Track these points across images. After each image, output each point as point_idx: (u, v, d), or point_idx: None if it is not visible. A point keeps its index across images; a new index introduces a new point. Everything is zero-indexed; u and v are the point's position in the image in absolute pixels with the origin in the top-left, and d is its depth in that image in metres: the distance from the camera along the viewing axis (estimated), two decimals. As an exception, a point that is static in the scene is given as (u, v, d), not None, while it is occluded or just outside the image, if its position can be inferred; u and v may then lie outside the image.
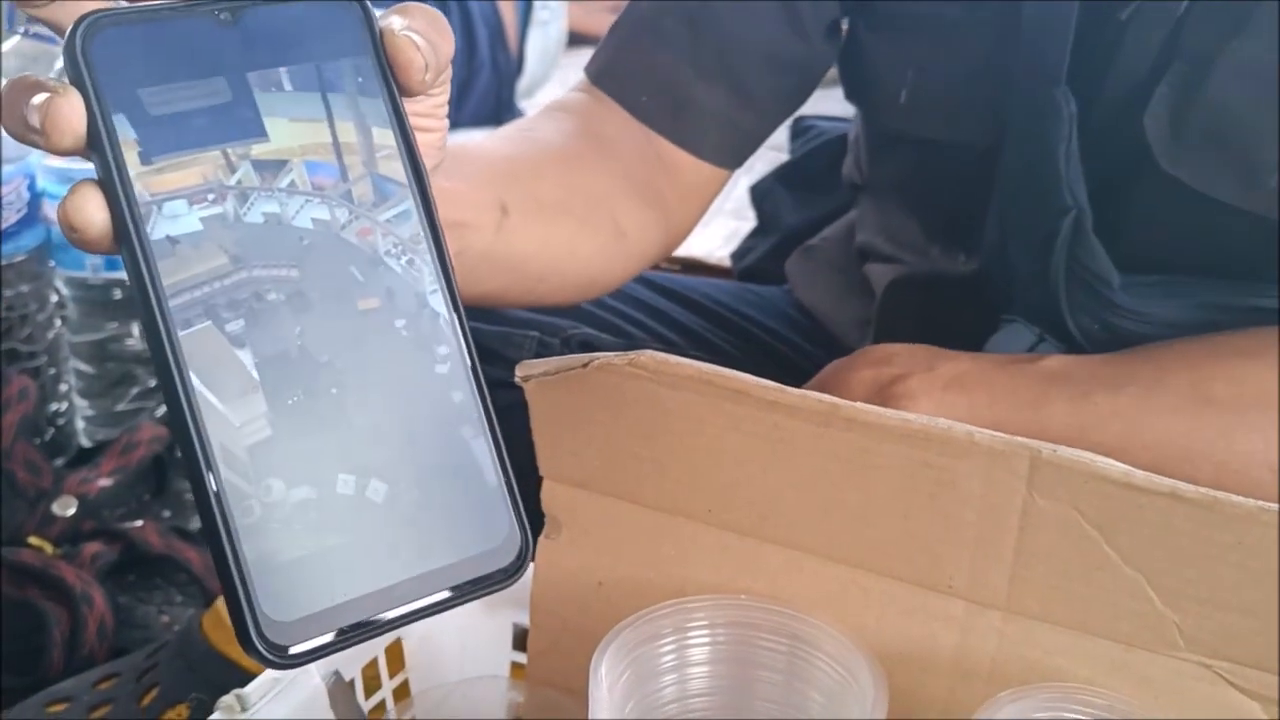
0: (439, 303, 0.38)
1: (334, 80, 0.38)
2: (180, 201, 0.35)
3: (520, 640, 0.58)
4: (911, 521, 0.45)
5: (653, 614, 0.46)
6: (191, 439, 0.33)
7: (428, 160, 0.46)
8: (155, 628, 0.80)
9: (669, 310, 0.86)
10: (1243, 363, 0.56)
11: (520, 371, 0.51)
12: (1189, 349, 0.58)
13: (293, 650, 0.33)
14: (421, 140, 0.45)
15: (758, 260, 1.04)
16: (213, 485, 0.33)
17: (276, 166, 0.36)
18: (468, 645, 0.59)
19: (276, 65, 0.36)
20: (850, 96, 0.80)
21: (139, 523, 0.83)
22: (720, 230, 1.39)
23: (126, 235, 0.34)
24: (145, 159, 0.34)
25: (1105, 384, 0.57)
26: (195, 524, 0.91)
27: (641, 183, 0.69)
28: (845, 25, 0.75)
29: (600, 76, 0.72)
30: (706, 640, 0.46)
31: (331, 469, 0.35)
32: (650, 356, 0.48)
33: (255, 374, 0.34)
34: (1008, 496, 0.43)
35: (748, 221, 1.17)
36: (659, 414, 0.49)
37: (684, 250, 1.42)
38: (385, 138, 0.38)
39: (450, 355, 0.37)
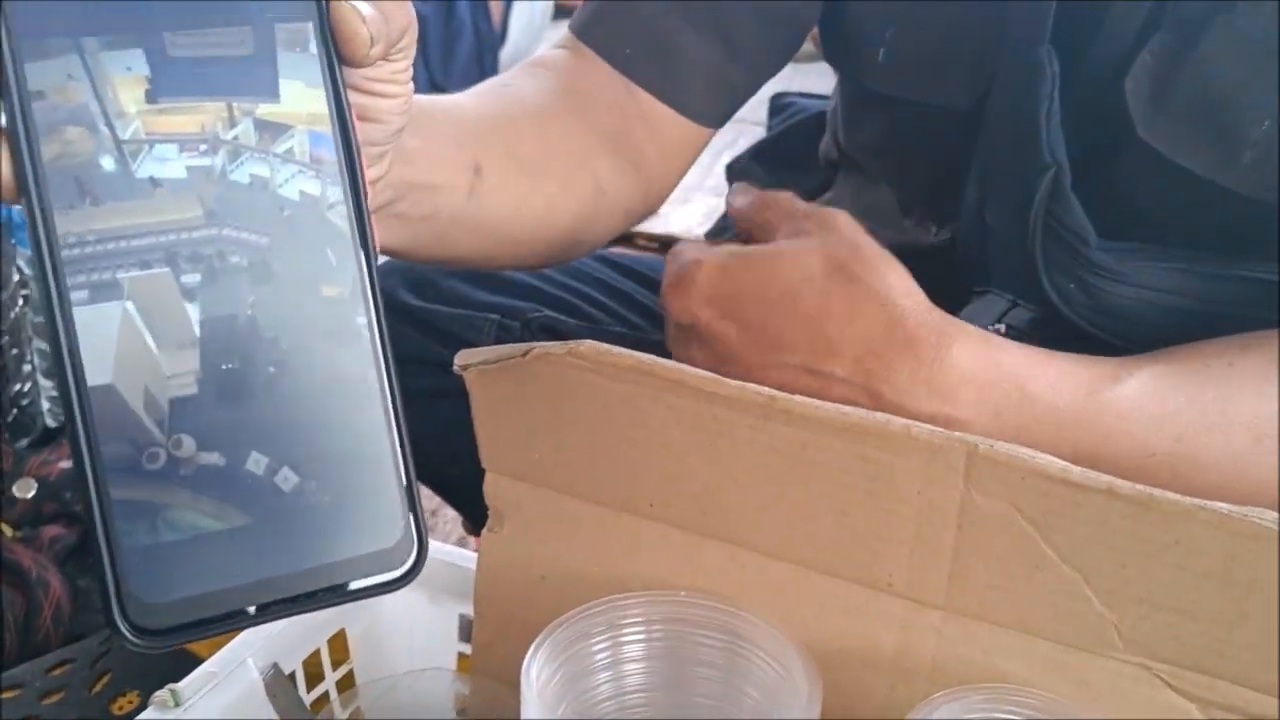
0: (372, 299, 0.36)
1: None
2: (172, 146, 0.34)
3: (467, 632, 0.57)
4: (850, 518, 0.44)
5: (586, 612, 0.45)
6: (74, 409, 0.33)
7: (392, 124, 0.45)
8: (115, 612, 0.79)
9: (634, 293, 0.85)
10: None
11: (460, 360, 0.50)
12: (1251, 369, 0.54)
13: (157, 630, 0.33)
14: (383, 105, 0.44)
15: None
16: (90, 466, 0.32)
17: (278, 130, 0.36)
18: (414, 637, 0.58)
19: (211, 26, 0.35)
20: (829, 57, 0.79)
21: (99, 506, 0.83)
22: (699, 207, 1.38)
23: (26, 189, 0.33)
24: (151, 98, 0.34)
25: (1169, 430, 0.53)
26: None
27: (622, 140, 0.68)
28: None
29: (584, 29, 0.70)
30: (642, 637, 0.46)
31: (246, 445, 0.34)
32: (590, 346, 0.47)
33: (197, 330, 0.34)
34: (946, 493, 0.42)
35: (726, 199, 1.16)
36: (599, 405, 0.48)
37: (662, 228, 1.42)
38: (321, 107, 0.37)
39: (375, 354, 0.36)
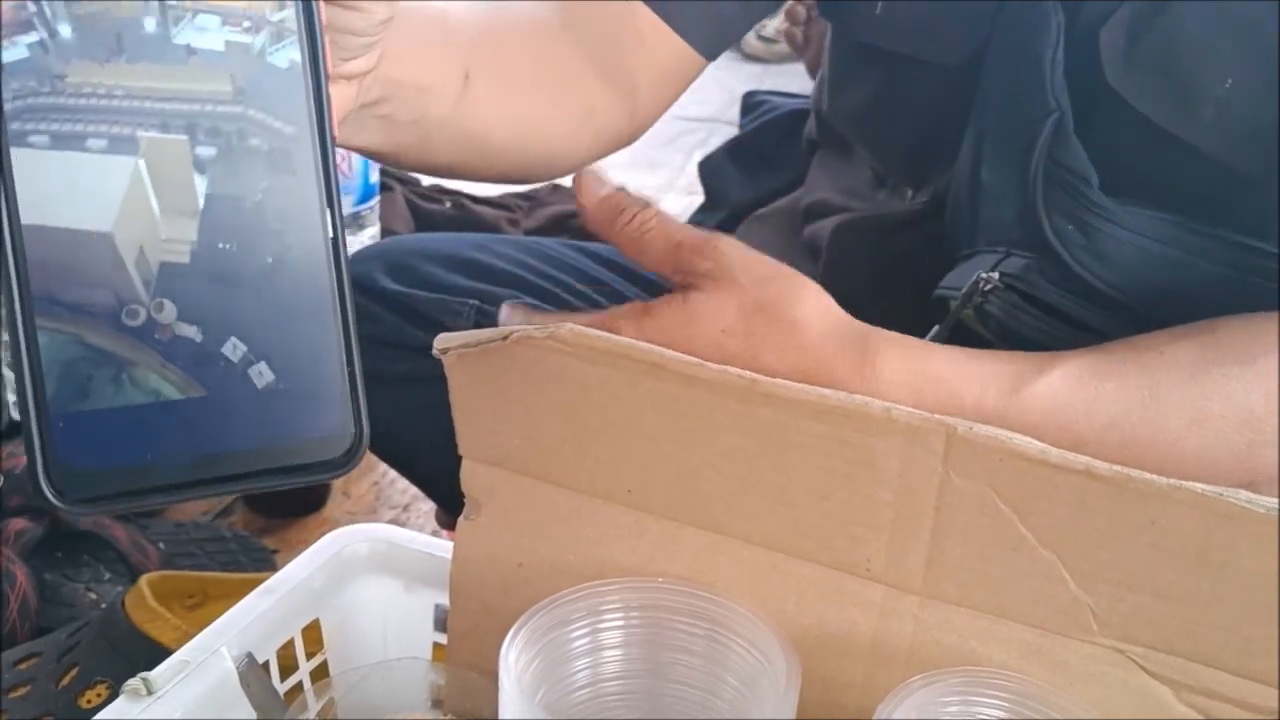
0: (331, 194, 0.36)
1: None
2: (215, 18, 0.34)
3: (442, 622, 0.57)
4: (830, 502, 0.44)
5: (564, 598, 0.45)
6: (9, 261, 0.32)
7: (376, 12, 0.44)
8: (81, 605, 0.79)
9: (611, 282, 0.85)
10: (1238, 372, 0.54)
11: (439, 344, 0.50)
12: (1182, 358, 0.55)
13: (88, 496, 0.33)
14: None
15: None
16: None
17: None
18: (389, 627, 0.58)
19: None
20: (825, 9, 0.79)
21: (66, 499, 0.82)
22: (672, 207, 1.38)
23: None
24: None
25: (1098, 419, 0.54)
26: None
27: (614, 62, 0.68)
28: None
29: None
30: (620, 623, 0.45)
31: (228, 328, 0.34)
32: (570, 330, 0.47)
33: (201, 202, 0.34)
34: (925, 475, 0.42)
35: (699, 198, 1.16)
36: (578, 389, 0.48)
37: (636, 225, 1.41)
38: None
39: (333, 249, 0.36)
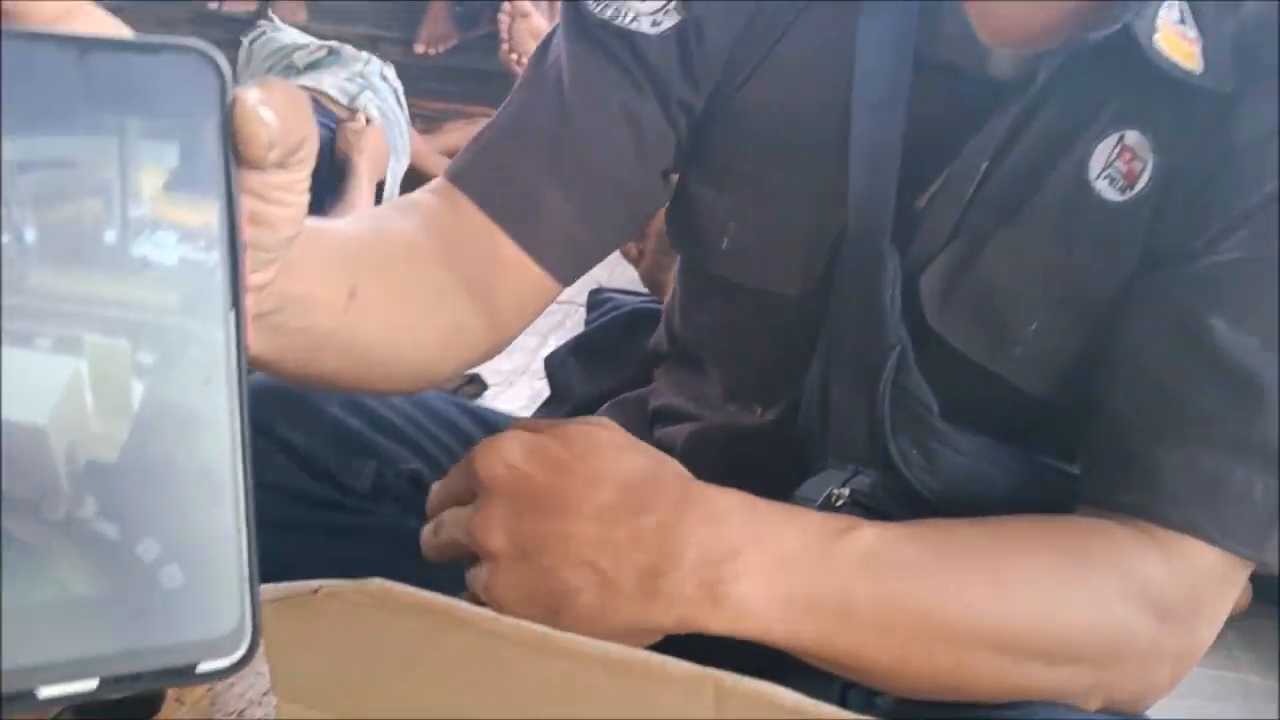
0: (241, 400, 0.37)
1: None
2: (172, 234, 0.35)
3: None
4: (618, 746, 0.47)
5: None
6: None
7: (283, 231, 0.46)
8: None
9: None
10: (1017, 559, 0.62)
11: (252, 596, 0.52)
12: (975, 537, 0.63)
13: None
14: (278, 213, 0.45)
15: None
16: None
17: None
18: None
19: (123, 113, 0.36)
20: (674, 242, 0.85)
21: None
22: (525, 391, 1.42)
23: None
24: (170, 187, 0.36)
25: (901, 572, 0.60)
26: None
27: (479, 285, 0.72)
28: (676, 176, 0.80)
29: (459, 175, 0.75)
30: None
31: (144, 528, 0.35)
32: (378, 585, 0.50)
33: (136, 405, 0.35)
34: (699, 722, 0.46)
35: (551, 385, 1.20)
36: (385, 639, 0.50)
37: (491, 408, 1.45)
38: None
39: (240, 453, 0.37)
